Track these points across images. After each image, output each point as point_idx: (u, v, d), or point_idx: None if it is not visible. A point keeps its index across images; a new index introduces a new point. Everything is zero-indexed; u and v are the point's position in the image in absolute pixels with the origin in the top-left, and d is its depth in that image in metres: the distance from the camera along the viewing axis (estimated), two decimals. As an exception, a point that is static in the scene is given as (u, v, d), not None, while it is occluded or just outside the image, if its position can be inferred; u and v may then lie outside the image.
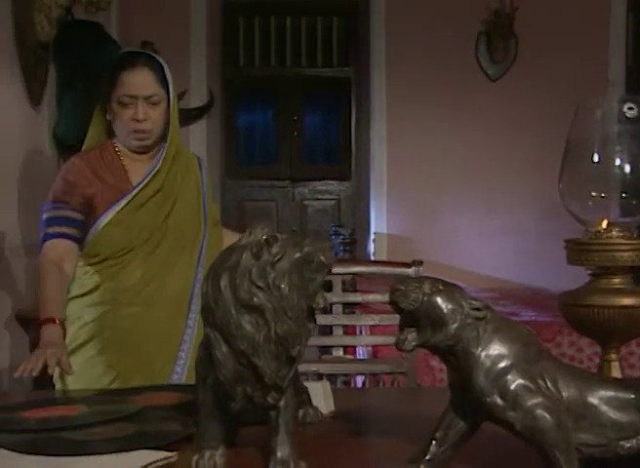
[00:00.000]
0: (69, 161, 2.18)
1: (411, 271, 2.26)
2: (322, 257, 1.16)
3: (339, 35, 7.19)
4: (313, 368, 2.23)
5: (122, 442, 1.33)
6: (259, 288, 1.11)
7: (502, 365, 1.11)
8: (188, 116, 5.54)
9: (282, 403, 1.19)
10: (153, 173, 2.17)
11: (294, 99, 7.19)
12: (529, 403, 1.09)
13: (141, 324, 2.12)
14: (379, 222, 5.67)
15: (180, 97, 5.50)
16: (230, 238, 2.23)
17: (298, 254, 1.14)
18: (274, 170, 7.21)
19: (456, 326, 1.12)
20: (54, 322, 1.95)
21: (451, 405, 1.19)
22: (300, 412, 1.43)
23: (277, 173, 7.19)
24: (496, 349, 1.12)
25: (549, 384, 1.11)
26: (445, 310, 1.12)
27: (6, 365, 2.48)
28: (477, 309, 1.13)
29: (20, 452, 1.30)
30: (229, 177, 6.95)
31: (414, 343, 1.14)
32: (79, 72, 3.32)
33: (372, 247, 5.73)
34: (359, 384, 2.92)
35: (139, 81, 2.13)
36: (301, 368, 1.24)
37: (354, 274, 2.44)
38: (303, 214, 7.15)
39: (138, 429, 1.40)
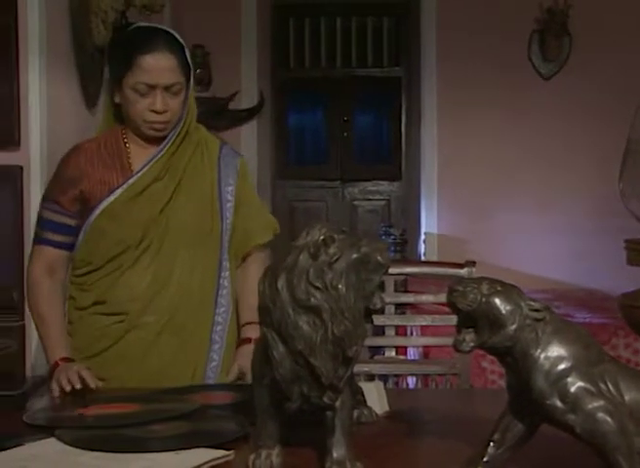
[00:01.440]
0: (66, 153, 2.00)
1: (463, 272, 2.24)
2: (379, 258, 1.15)
3: (389, 35, 7.17)
4: (365, 368, 2.23)
5: (180, 440, 1.35)
6: (316, 288, 1.11)
7: (562, 367, 1.10)
8: (239, 117, 5.58)
9: (338, 403, 1.20)
10: (155, 159, 1.93)
11: (344, 100, 7.19)
12: (589, 406, 1.08)
13: (158, 339, 1.90)
14: (429, 222, 5.63)
15: (231, 98, 5.55)
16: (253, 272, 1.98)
17: (355, 255, 1.14)
18: (324, 170, 7.22)
19: (514, 327, 1.11)
20: (63, 362, 1.82)
21: (509, 407, 1.18)
22: (355, 413, 1.43)
23: (327, 173, 7.19)
24: (555, 351, 1.11)
25: (611, 387, 1.10)
26: (503, 311, 1.11)
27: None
28: (536, 310, 1.12)
29: (80, 448, 1.33)
30: (280, 178, 6.98)
31: (472, 344, 1.13)
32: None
33: (422, 247, 5.70)
34: (411, 385, 2.90)
35: (159, 68, 1.86)
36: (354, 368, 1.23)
37: (407, 274, 2.43)
38: (354, 214, 7.14)
39: (195, 428, 1.42)
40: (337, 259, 1.13)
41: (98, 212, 1.90)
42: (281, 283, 1.12)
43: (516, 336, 1.11)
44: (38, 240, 1.96)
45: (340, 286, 1.12)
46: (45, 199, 1.97)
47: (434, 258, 5.33)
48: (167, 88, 1.87)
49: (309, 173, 7.20)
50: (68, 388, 1.72)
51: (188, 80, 1.93)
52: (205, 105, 5.24)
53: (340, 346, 1.13)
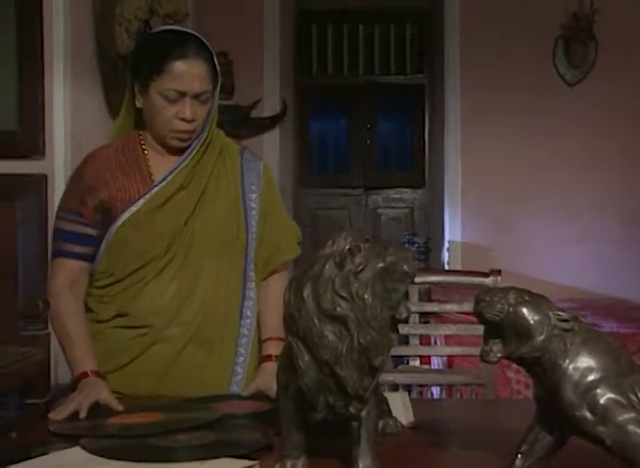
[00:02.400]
0: (84, 159, 1.94)
1: (489, 281, 2.22)
2: (405, 267, 1.14)
3: (412, 42, 7.17)
4: (390, 378, 2.21)
5: (205, 450, 1.35)
6: (342, 297, 1.11)
7: (591, 378, 1.08)
8: (262, 125, 5.60)
9: (364, 413, 1.19)
10: (179, 169, 1.86)
11: (367, 107, 7.19)
12: (620, 418, 1.06)
13: (182, 353, 1.84)
14: (453, 230, 5.61)
15: (254, 105, 5.57)
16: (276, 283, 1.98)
17: (381, 264, 1.13)
18: (347, 178, 7.21)
19: (542, 337, 1.09)
20: (92, 375, 1.74)
21: (537, 418, 1.16)
22: (380, 423, 1.42)
23: (350, 181, 7.19)
24: (584, 362, 1.09)
25: (642, 399, 1.08)
26: (531, 321, 1.10)
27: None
28: (564, 320, 1.10)
29: (105, 458, 1.33)
30: (302, 186, 6.99)
31: (499, 355, 1.12)
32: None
33: (446, 255, 5.67)
34: (435, 395, 2.88)
35: (190, 74, 1.79)
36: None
37: (432, 283, 2.41)
38: (376, 222, 7.13)
39: (219, 437, 1.41)
40: (362, 269, 1.12)
41: (119, 222, 1.83)
42: (307, 292, 1.12)
43: (544, 347, 1.09)
44: (58, 253, 1.88)
45: (365, 295, 1.11)
46: (62, 210, 1.90)
47: (458, 267, 5.30)
48: (196, 96, 1.81)
49: (332, 180, 7.20)
50: (85, 409, 1.62)
51: (215, 88, 1.88)
52: (228, 113, 5.27)
53: (366, 356, 1.12)
